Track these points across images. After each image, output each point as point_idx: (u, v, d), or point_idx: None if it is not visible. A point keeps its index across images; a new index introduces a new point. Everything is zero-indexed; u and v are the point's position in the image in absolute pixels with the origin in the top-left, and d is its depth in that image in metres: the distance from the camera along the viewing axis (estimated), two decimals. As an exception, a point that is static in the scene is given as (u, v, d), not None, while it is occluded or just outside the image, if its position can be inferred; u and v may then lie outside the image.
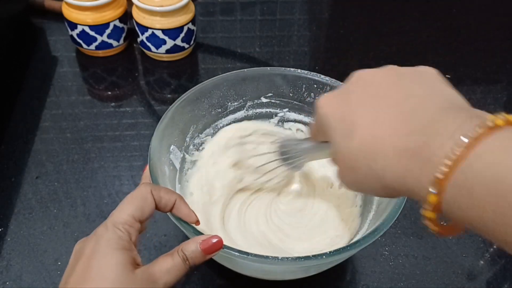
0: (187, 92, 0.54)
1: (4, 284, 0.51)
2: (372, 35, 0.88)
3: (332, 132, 0.33)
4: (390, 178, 0.29)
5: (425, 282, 0.53)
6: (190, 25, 0.76)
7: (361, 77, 0.34)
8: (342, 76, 0.57)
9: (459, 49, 0.85)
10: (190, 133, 0.57)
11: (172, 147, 0.53)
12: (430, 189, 0.25)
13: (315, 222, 0.55)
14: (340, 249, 0.41)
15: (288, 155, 0.47)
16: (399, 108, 0.29)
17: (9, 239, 0.55)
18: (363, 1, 0.96)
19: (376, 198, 0.50)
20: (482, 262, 0.55)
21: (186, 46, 0.78)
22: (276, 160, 0.49)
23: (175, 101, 0.53)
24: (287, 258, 0.40)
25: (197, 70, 0.80)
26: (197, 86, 0.55)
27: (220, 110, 0.59)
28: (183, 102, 0.53)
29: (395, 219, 0.42)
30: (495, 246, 0.57)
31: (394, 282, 0.53)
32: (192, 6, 0.77)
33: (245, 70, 0.57)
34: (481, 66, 0.82)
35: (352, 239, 0.50)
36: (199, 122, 0.57)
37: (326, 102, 0.34)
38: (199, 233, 0.40)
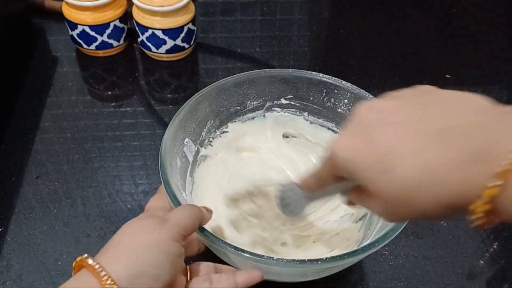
0: (206, 87, 0.54)
1: (4, 284, 0.51)
2: (372, 35, 0.88)
3: (365, 174, 0.30)
4: (447, 191, 0.28)
5: (425, 282, 0.53)
6: (190, 25, 0.76)
7: (370, 108, 0.32)
8: (342, 76, 0.58)
9: (459, 49, 0.85)
10: (206, 127, 0.57)
11: (186, 139, 0.54)
12: (497, 182, 0.26)
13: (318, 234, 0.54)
14: (337, 256, 0.41)
15: (288, 202, 0.45)
16: (441, 124, 0.29)
17: (9, 239, 0.55)
18: (363, 1, 0.96)
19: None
20: (482, 262, 0.55)
21: (186, 46, 0.78)
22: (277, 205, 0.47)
23: (194, 96, 0.53)
24: (283, 260, 0.40)
25: (197, 70, 0.80)
26: (217, 82, 0.55)
27: (239, 108, 0.59)
28: (201, 96, 0.54)
29: (400, 230, 0.42)
30: (495, 246, 0.57)
31: (394, 282, 0.53)
32: (192, 6, 0.77)
33: (267, 70, 0.58)
34: (481, 66, 0.82)
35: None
36: (217, 117, 0.58)
37: (345, 145, 0.31)
38: (216, 239, 0.41)
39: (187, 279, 0.42)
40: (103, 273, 0.34)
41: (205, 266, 0.43)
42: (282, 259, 0.40)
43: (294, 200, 0.44)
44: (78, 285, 0.34)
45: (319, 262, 0.40)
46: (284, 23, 0.89)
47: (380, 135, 0.30)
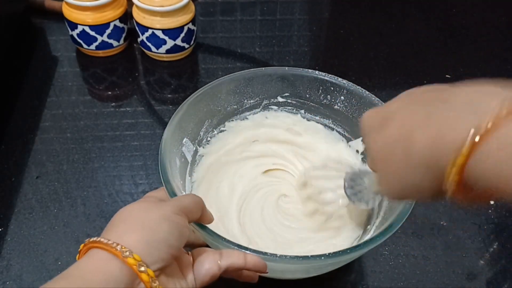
0: (203, 86, 0.55)
1: (4, 284, 0.51)
2: (372, 35, 0.88)
3: (368, 133, 0.35)
4: (422, 145, 0.30)
5: (425, 282, 0.53)
6: (190, 25, 0.76)
7: (408, 91, 0.35)
8: (342, 76, 0.58)
9: (459, 49, 0.85)
10: (204, 127, 0.57)
11: (185, 139, 0.54)
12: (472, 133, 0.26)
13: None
14: (340, 251, 0.41)
15: (357, 189, 0.44)
16: (438, 98, 0.31)
17: (9, 239, 0.55)
18: (363, 1, 0.96)
19: (383, 206, 0.50)
20: (482, 262, 0.55)
21: (186, 46, 0.78)
22: (344, 196, 0.46)
23: (191, 95, 0.53)
24: (285, 256, 0.40)
25: (197, 70, 0.80)
26: (213, 81, 0.55)
27: (236, 106, 0.59)
28: (199, 96, 0.54)
29: (401, 223, 0.42)
30: (495, 246, 0.57)
31: (394, 282, 0.53)
32: (192, 6, 0.77)
33: (263, 68, 0.58)
34: (481, 66, 0.82)
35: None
36: (214, 117, 0.58)
37: (368, 114, 0.37)
38: (219, 237, 0.41)
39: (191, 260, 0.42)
40: (114, 244, 0.33)
41: (208, 248, 0.43)
42: (286, 256, 0.40)
43: (363, 188, 0.44)
44: (89, 260, 0.33)
45: (322, 258, 0.40)
46: (284, 23, 0.89)
47: (391, 105, 0.34)
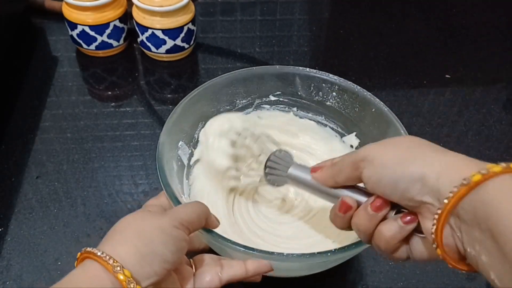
0: (196, 88, 0.54)
1: (4, 284, 0.51)
2: (372, 35, 0.88)
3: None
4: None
5: (425, 282, 0.53)
6: (190, 25, 0.76)
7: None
8: (342, 76, 0.58)
9: (459, 49, 0.85)
10: (198, 129, 0.57)
11: (180, 142, 0.54)
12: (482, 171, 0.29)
13: (314, 231, 0.54)
14: (345, 246, 0.41)
15: (274, 172, 0.46)
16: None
17: (9, 239, 0.55)
18: (363, 1, 0.96)
19: None
20: (482, 262, 0.55)
21: (186, 46, 0.78)
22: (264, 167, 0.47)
23: (184, 98, 0.53)
24: (292, 254, 0.40)
25: (197, 70, 0.80)
26: (206, 83, 0.55)
27: (228, 107, 0.59)
28: (192, 98, 0.54)
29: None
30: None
31: (394, 282, 0.53)
32: (192, 6, 0.77)
33: (254, 68, 0.58)
34: (481, 66, 0.82)
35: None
36: (208, 118, 0.57)
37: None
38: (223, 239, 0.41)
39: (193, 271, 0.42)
40: (107, 257, 0.33)
41: (209, 257, 0.43)
42: (292, 254, 0.40)
43: (280, 172, 0.45)
44: (83, 271, 0.34)
45: (329, 254, 0.40)
46: (284, 23, 0.89)
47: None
